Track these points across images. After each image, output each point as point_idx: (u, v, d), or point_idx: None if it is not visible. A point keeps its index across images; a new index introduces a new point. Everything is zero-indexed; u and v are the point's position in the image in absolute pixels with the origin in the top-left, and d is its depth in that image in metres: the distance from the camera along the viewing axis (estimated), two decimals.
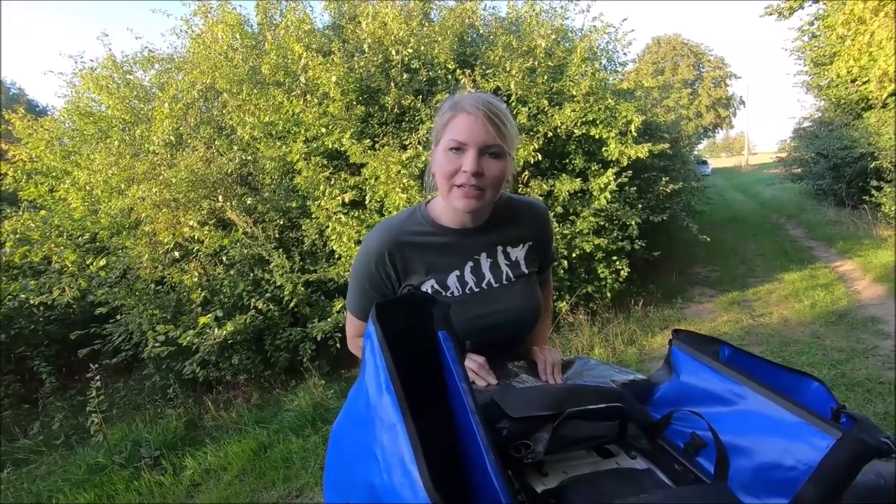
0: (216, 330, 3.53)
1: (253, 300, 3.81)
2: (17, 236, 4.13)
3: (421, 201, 1.14)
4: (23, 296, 4.02)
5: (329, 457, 0.79)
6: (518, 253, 1.11)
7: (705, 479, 0.69)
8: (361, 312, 1.11)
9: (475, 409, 0.58)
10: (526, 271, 1.11)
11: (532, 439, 0.70)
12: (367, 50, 4.56)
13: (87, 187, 4.42)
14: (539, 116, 4.39)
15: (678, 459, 0.74)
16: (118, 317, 4.00)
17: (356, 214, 3.95)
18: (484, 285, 1.08)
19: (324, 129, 4.10)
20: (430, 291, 1.06)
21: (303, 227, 4.20)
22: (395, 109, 4.43)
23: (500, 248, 1.10)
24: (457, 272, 1.07)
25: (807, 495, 0.58)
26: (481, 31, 5.39)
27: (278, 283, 3.86)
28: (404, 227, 1.07)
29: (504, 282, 1.09)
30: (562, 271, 4.26)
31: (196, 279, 3.84)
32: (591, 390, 0.83)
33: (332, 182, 4.04)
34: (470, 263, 1.08)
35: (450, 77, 4.48)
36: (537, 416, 0.71)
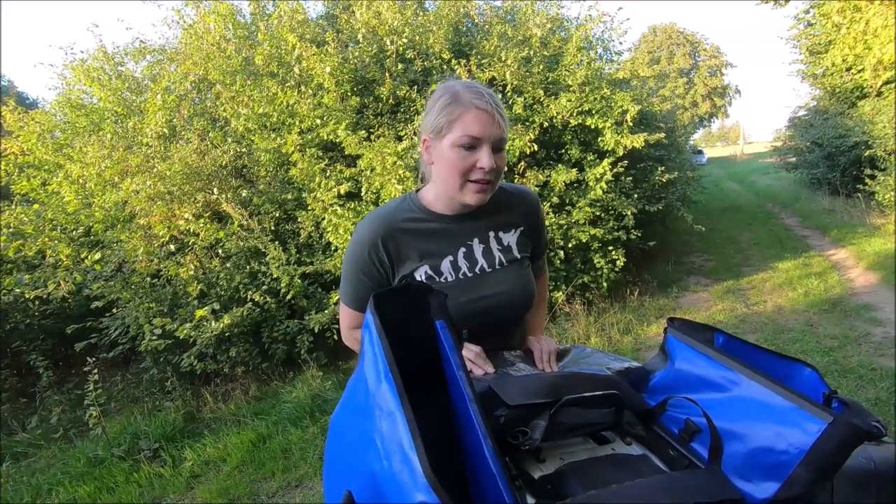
0: (213, 323, 3.53)
1: (250, 293, 3.81)
2: (11, 230, 4.10)
3: (410, 190, 1.14)
4: (18, 290, 4.00)
5: (328, 446, 0.79)
6: (510, 238, 1.13)
7: (699, 464, 0.70)
8: (356, 302, 1.12)
9: (473, 398, 0.59)
10: (518, 256, 1.13)
11: (529, 426, 0.71)
12: (361, 40, 4.52)
13: (81, 180, 4.38)
14: (535, 106, 4.37)
15: (673, 445, 0.75)
16: (114, 310, 4.00)
17: (352, 206, 3.94)
18: (477, 270, 1.09)
19: (318, 121, 4.07)
20: (423, 277, 1.07)
21: (299, 220, 4.18)
22: (391, 100, 4.40)
23: (491, 234, 1.11)
24: (450, 258, 1.08)
25: (798, 478, 0.60)
26: (476, 21, 5.35)
27: (275, 276, 3.85)
28: (396, 215, 1.08)
29: (497, 266, 1.10)
30: (558, 261, 4.27)
31: (192, 272, 3.83)
32: (587, 378, 0.83)
33: (327, 174, 4.02)
34: (463, 249, 1.09)
35: (445, 67, 4.45)
36: (534, 404, 0.72)
